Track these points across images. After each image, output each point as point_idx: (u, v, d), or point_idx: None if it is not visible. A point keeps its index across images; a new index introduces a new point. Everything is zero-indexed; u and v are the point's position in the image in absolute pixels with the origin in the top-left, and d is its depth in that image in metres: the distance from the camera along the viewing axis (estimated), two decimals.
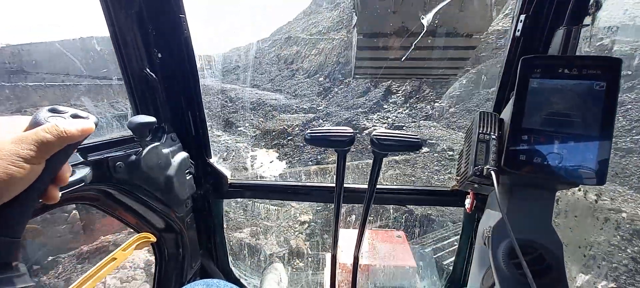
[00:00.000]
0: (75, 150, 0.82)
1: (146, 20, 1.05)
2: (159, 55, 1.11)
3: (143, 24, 1.04)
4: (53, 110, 0.49)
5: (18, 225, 0.46)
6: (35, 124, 0.46)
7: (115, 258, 0.86)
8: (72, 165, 0.82)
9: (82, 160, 0.83)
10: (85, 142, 0.68)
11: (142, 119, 0.92)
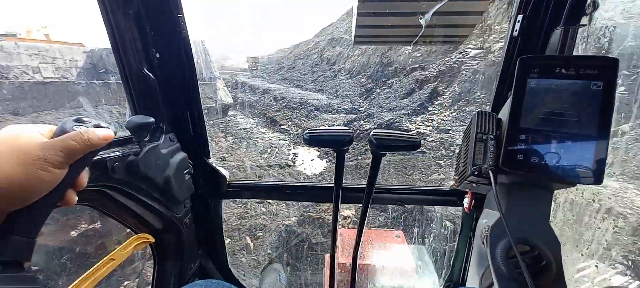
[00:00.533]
0: None
1: (144, 20, 1.04)
2: (157, 55, 1.11)
3: (141, 24, 1.04)
4: (78, 120, 0.53)
5: (36, 226, 0.48)
6: (61, 131, 0.50)
7: (114, 259, 0.86)
8: None
9: None
10: None
11: (140, 119, 0.92)
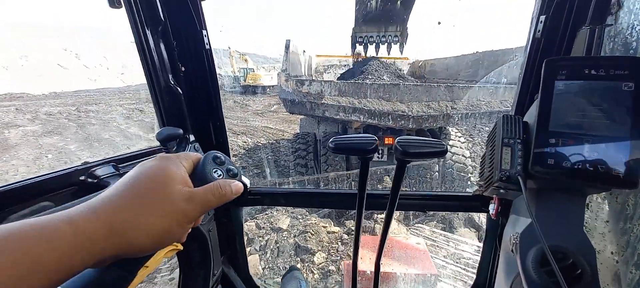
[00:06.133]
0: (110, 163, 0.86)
1: (170, 36, 1.10)
2: (183, 68, 1.16)
3: (167, 40, 1.09)
4: (215, 160, 0.55)
5: (140, 263, 0.49)
6: (201, 174, 0.51)
7: (147, 266, 0.89)
8: (106, 177, 0.86)
9: (115, 171, 0.87)
10: (118, 154, 0.70)
11: (169, 131, 0.96)
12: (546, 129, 0.69)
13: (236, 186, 0.53)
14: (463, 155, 8.89)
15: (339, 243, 5.81)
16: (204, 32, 1.14)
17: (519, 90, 1.09)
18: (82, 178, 0.85)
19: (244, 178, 1.40)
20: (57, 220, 0.36)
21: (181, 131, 0.98)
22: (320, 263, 5.09)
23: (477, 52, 11.33)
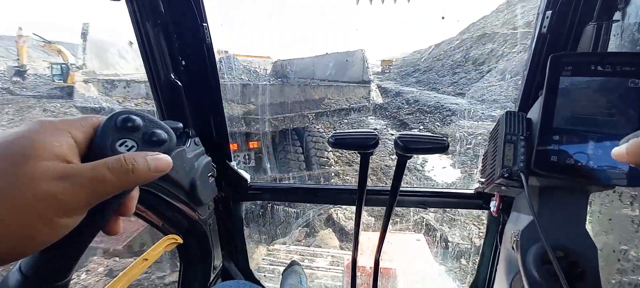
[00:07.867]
0: None
1: (171, 29, 1.09)
2: (183, 62, 1.15)
3: (168, 34, 1.08)
4: (123, 124, 0.36)
5: (66, 270, 0.37)
6: (99, 149, 0.34)
7: (147, 259, 0.89)
8: None
9: None
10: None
11: (169, 124, 0.95)
12: (550, 126, 0.68)
13: (156, 160, 0.35)
14: (325, 150, 9.63)
15: None
16: (205, 25, 1.13)
17: (523, 87, 1.08)
18: None
19: (242, 172, 1.41)
20: None
21: (181, 125, 0.98)
22: None
23: (327, 52, 12.25)
